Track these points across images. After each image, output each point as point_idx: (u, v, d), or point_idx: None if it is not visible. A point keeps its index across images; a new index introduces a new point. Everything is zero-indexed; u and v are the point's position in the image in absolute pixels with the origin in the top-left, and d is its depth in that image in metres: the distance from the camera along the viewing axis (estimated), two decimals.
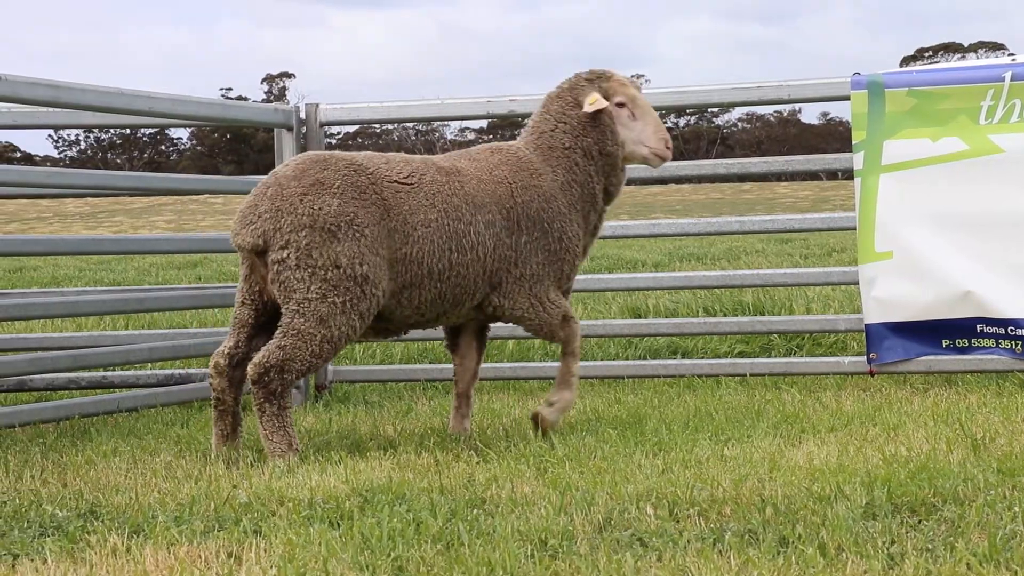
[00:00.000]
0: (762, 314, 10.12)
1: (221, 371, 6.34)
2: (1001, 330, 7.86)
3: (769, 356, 9.31)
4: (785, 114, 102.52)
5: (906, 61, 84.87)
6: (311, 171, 6.26)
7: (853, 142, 8.13)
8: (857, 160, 8.10)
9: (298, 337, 6.10)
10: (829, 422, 6.68)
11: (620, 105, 6.74)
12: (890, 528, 4.34)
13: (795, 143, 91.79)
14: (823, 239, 24.46)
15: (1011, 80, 7.85)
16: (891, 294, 8.04)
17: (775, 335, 9.43)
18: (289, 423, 6.13)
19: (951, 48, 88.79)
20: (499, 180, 6.61)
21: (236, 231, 6.25)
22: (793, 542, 4.20)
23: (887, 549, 4.10)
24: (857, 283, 8.22)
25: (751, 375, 8.47)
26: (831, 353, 9.24)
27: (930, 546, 4.13)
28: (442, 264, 6.37)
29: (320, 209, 6.15)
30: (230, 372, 6.34)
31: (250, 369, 6.10)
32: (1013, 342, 7.85)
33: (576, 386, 6.76)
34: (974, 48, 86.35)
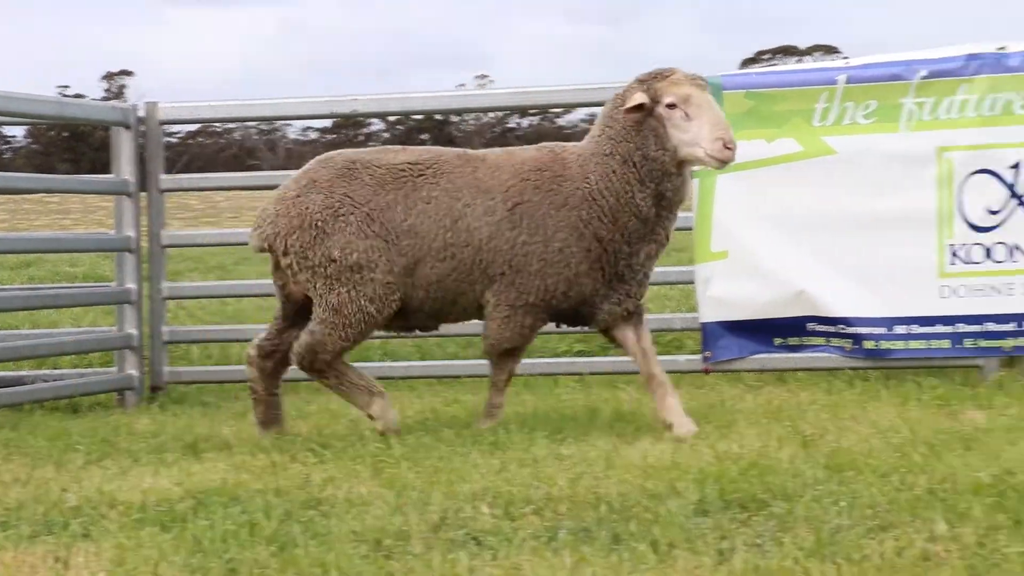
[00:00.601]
0: None
1: (251, 361, 6.72)
2: (831, 328, 8.02)
3: (607, 355, 9.37)
4: None
5: (745, 63, 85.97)
6: (310, 171, 6.62)
7: None
8: None
9: (323, 325, 6.46)
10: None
11: (671, 106, 6.36)
12: (721, 524, 4.39)
13: None
14: None
15: (845, 83, 8.03)
16: (726, 293, 8.16)
17: None
18: (356, 377, 6.57)
19: (788, 51, 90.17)
20: (519, 174, 6.55)
21: (250, 234, 6.62)
22: (626, 539, 4.23)
23: (717, 545, 4.15)
24: (693, 282, 8.32)
25: (589, 374, 8.53)
26: (667, 352, 9.30)
27: (759, 541, 4.19)
28: (439, 242, 6.45)
29: (307, 208, 6.44)
30: (260, 362, 6.71)
31: (293, 359, 6.53)
32: (843, 340, 8.01)
33: (499, 417, 6.74)
34: (810, 51, 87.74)
